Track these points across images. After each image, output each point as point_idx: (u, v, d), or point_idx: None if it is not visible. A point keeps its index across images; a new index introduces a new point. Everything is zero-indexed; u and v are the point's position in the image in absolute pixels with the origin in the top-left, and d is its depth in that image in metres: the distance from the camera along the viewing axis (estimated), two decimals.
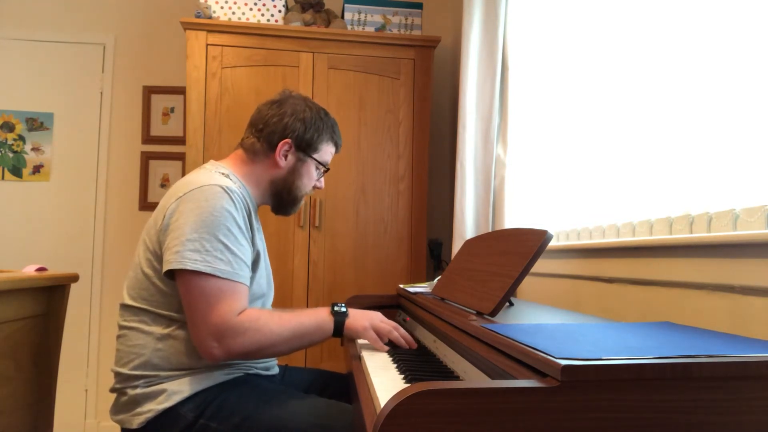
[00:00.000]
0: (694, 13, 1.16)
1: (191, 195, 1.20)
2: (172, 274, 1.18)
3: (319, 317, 1.25)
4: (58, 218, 2.91)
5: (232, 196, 1.22)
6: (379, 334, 1.27)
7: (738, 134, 1.03)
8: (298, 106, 1.38)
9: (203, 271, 1.13)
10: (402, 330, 1.31)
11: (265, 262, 1.37)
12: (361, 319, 1.27)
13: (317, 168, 1.43)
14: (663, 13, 1.27)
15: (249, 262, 1.24)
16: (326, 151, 1.43)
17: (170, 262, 1.15)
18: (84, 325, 2.89)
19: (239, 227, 1.21)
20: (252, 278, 1.28)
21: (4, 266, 1.95)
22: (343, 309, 1.28)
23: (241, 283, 1.19)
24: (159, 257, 1.21)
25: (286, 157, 1.37)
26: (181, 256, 1.14)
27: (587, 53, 1.65)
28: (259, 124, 1.38)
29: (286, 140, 1.35)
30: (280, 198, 1.41)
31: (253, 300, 1.32)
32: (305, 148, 1.38)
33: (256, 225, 1.34)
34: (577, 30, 1.72)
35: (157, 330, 1.21)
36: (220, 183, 1.23)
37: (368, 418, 0.83)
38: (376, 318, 1.30)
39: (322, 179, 1.48)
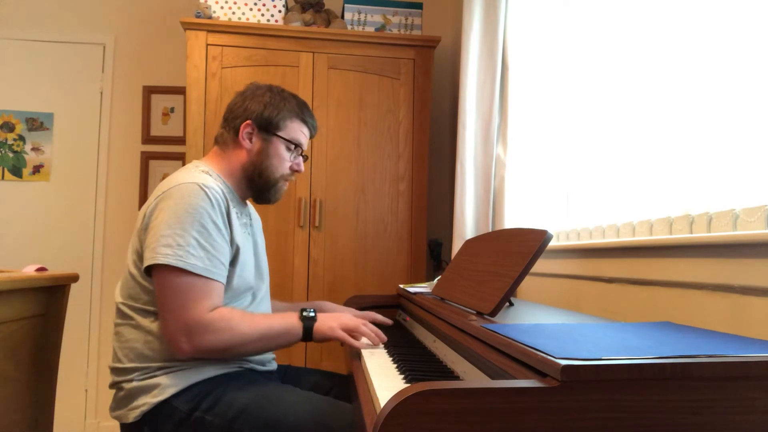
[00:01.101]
0: (694, 14, 1.16)
1: (169, 193, 1.23)
2: (151, 272, 1.20)
3: (289, 322, 1.27)
4: (58, 218, 2.91)
5: (209, 193, 1.23)
6: (349, 330, 1.29)
7: (738, 134, 1.03)
8: (259, 90, 1.41)
9: (174, 264, 1.15)
10: (371, 325, 1.32)
11: (249, 255, 1.36)
12: (328, 321, 1.29)
13: (288, 149, 1.41)
14: (662, 13, 1.27)
15: (226, 260, 1.25)
16: (293, 129, 1.41)
17: (147, 259, 1.18)
18: (84, 325, 2.89)
19: (215, 224, 1.22)
20: (232, 272, 1.28)
21: (4, 266, 1.95)
22: (312, 314, 1.29)
23: (214, 280, 1.20)
24: (141, 256, 1.23)
25: (250, 139, 1.38)
26: (155, 252, 1.16)
27: (587, 53, 1.66)
28: (226, 115, 1.42)
29: (247, 121, 1.37)
30: (253, 182, 1.40)
31: (241, 293, 1.33)
32: (267, 126, 1.38)
33: (240, 221, 1.35)
34: (577, 30, 1.72)
35: (147, 323, 1.23)
36: (197, 180, 1.24)
37: (368, 417, 0.83)
38: (344, 317, 1.32)
39: (301, 162, 1.45)
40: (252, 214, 1.50)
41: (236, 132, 1.38)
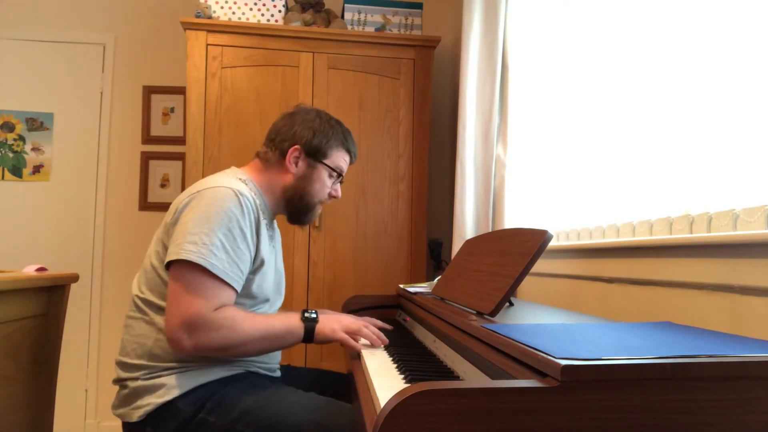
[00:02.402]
0: (694, 14, 1.16)
1: (203, 193, 1.25)
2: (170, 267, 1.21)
3: (291, 322, 1.28)
4: (58, 218, 2.91)
5: (241, 200, 1.25)
6: (351, 333, 1.29)
7: (738, 134, 1.03)
8: (309, 115, 1.43)
9: (195, 261, 1.16)
10: (372, 327, 1.33)
11: (272, 269, 1.39)
12: (330, 322, 1.30)
13: (330, 175, 1.44)
14: (663, 13, 1.27)
15: (245, 267, 1.26)
16: (337, 157, 1.44)
17: (170, 254, 1.19)
18: (84, 325, 2.89)
19: (242, 231, 1.24)
20: (252, 280, 1.30)
21: (4, 266, 1.95)
22: (314, 315, 1.31)
23: (228, 284, 1.20)
24: (167, 249, 1.24)
25: (296, 163, 1.40)
26: (180, 248, 1.17)
27: (587, 53, 1.66)
28: (272, 135, 1.43)
29: (296, 146, 1.39)
30: (292, 204, 1.42)
31: (258, 302, 1.34)
32: (314, 153, 1.40)
33: (268, 233, 1.36)
34: (577, 30, 1.72)
35: (160, 320, 1.24)
36: (233, 186, 1.26)
37: (368, 417, 0.83)
38: (346, 319, 1.33)
39: (339, 188, 1.48)
40: (276, 230, 1.52)
41: (283, 154, 1.40)
